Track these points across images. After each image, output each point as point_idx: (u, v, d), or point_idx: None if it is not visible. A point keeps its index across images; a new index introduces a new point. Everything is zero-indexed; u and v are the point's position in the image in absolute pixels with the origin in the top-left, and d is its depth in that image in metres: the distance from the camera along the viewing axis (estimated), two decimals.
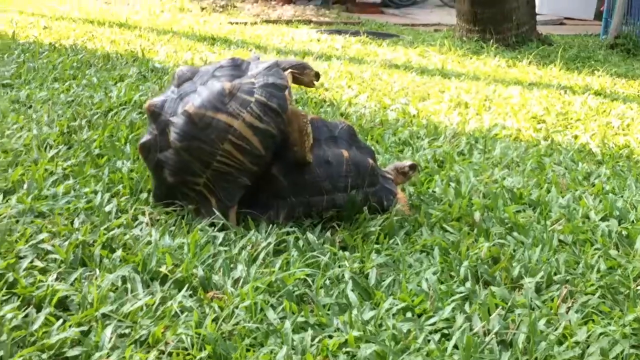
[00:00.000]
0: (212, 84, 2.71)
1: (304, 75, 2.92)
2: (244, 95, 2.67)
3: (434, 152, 3.80)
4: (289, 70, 2.85)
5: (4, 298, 2.09)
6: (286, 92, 2.72)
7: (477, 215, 2.89)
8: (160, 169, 2.73)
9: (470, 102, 5.11)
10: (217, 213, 2.65)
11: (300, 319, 2.08)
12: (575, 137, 4.41)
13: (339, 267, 2.43)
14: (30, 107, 4.12)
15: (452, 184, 3.26)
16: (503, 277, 2.44)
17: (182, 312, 2.08)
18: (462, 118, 4.65)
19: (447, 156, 3.74)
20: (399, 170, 3.12)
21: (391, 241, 2.67)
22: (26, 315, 2.02)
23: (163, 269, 2.30)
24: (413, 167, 3.12)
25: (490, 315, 2.16)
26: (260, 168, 2.72)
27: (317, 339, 2.00)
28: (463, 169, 3.55)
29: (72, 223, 2.61)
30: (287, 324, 2.03)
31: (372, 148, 3.23)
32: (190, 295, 2.20)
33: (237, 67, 2.82)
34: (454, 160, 3.69)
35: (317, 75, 2.97)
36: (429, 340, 2.03)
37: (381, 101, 4.96)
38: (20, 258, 2.31)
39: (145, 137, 2.77)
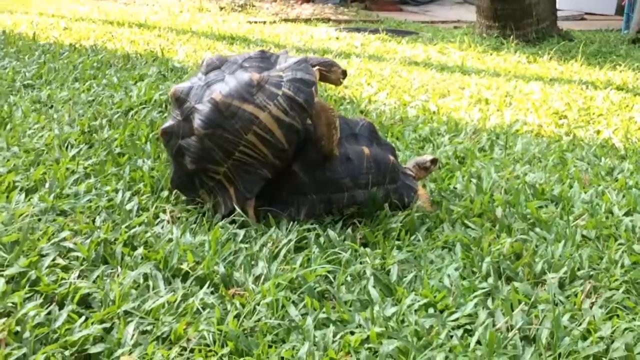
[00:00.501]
0: (240, 74, 2.71)
1: (331, 72, 2.91)
2: (272, 87, 2.67)
3: (454, 148, 3.78)
4: (317, 67, 2.84)
5: (27, 296, 2.10)
6: (313, 88, 2.72)
7: (499, 211, 2.87)
8: (180, 155, 2.73)
9: (490, 99, 5.08)
10: (236, 207, 2.65)
11: (322, 316, 2.08)
12: (598, 132, 4.37)
13: (360, 263, 2.42)
14: (52, 107, 4.14)
15: (474, 180, 3.24)
16: (526, 272, 2.42)
17: (203, 309, 2.08)
18: (482, 114, 4.62)
19: (468, 152, 3.72)
20: (420, 166, 3.10)
21: (412, 237, 2.66)
22: (49, 313, 2.02)
23: (184, 266, 2.30)
24: (434, 161, 3.11)
25: (513, 310, 2.14)
26: (282, 162, 2.72)
27: (339, 335, 1.99)
28: (484, 165, 3.53)
29: (93, 221, 2.62)
30: (309, 320, 2.02)
31: (393, 145, 3.21)
32: (212, 292, 2.20)
33: (266, 60, 2.81)
34: (475, 157, 3.67)
35: (344, 73, 2.96)
36: (451, 336, 2.02)
37: (401, 98, 4.95)
38: (43, 256, 2.32)
39: (168, 123, 2.77)
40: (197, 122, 2.63)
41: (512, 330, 2.05)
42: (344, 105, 4.61)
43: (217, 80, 2.70)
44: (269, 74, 2.70)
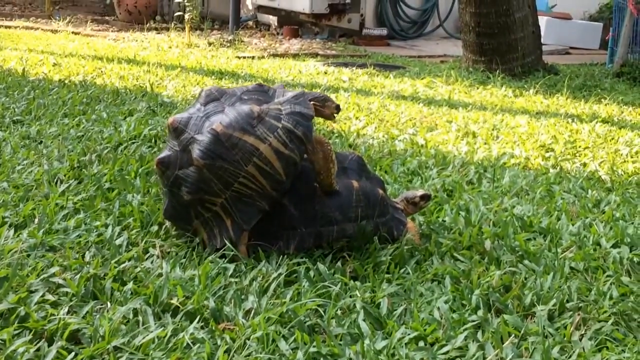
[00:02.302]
0: (240, 106, 2.72)
1: (325, 107, 2.93)
2: (272, 120, 2.69)
3: (443, 181, 3.80)
4: (312, 101, 2.87)
5: (16, 332, 2.09)
6: (311, 122, 2.74)
7: (487, 244, 2.89)
8: (177, 186, 2.73)
9: (477, 132, 5.12)
10: (227, 242, 2.65)
11: (312, 350, 2.07)
12: (584, 164, 4.41)
13: (350, 297, 2.43)
14: (41, 142, 4.15)
15: (462, 213, 3.26)
16: (515, 305, 2.43)
17: (194, 344, 2.07)
18: (470, 147, 4.65)
19: (457, 185, 3.74)
20: (409, 201, 3.11)
21: (402, 270, 2.67)
22: (38, 349, 2.01)
23: (174, 301, 2.30)
24: (425, 197, 3.11)
25: (503, 343, 2.15)
26: (279, 194, 2.73)
27: None
28: (472, 197, 3.55)
29: (83, 257, 2.62)
30: (300, 354, 2.02)
31: (382, 178, 3.23)
32: (202, 327, 2.20)
33: (264, 93, 2.84)
34: (463, 190, 3.69)
35: (338, 108, 2.98)
36: None
37: (389, 132, 4.98)
38: (32, 292, 2.31)
39: (165, 153, 2.78)
40: (196, 152, 2.64)
41: None
42: (333, 139, 4.64)
43: (216, 112, 2.72)
44: (268, 106, 2.73)
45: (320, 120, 4.84)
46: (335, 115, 2.96)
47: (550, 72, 8.47)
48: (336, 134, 4.82)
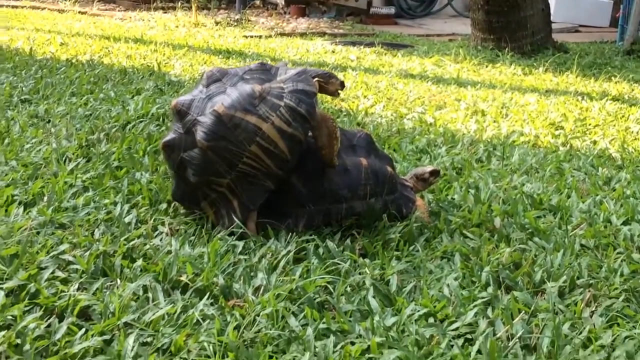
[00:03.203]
0: (242, 86, 2.71)
1: (329, 84, 2.91)
2: (274, 99, 2.67)
3: (452, 159, 3.79)
4: (315, 78, 2.85)
5: (27, 309, 2.09)
6: (314, 99, 2.73)
7: (497, 221, 2.88)
8: (183, 168, 2.73)
9: (487, 110, 5.10)
10: (236, 220, 2.65)
11: (322, 326, 2.07)
12: (594, 142, 4.39)
13: (360, 274, 2.42)
14: (49, 121, 4.14)
15: (471, 191, 3.25)
16: (525, 282, 2.42)
17: (203, 320, 2.07)
18: (479, 126, 4.63)
19: (466, 163, 3.73)
20: (419, 177, 3.10)
21: (411, 248, 2.66)
22: (49, 325, 2.01)
23: (184, 278, 2.30)
24: (434, 173, 3.11)
25: (513, 320, 2.14)
26: (285, 173, 2.72)
27: (339, 346, 1.99)
28: (482, 175, 3.53)
29: (92, 234, 2.62)
30: (309, 330, 2.02)
31: (390, 156, 3.22)
32: (212, 304, 2.19)
33: (266, 71, 2.82)
34: (472, 167, 3.67)
35: (342, 85, 2.96)
36: (452, 346, 2.01)
37: (397, 110, 4.96)
38: (42, 269, 2.31)
39: (170, 136, 2.77)
40: (199, 134, 2.63)
41: (512, 339, 2.05)
42: (341, 118, 4.62)
43: (218, 93, 2.71)
44: (270, 85, 2.71)
45: (328, 98, 4.84)
46: (340, 91, 2.94)
47: (559, 50, 8.42)
48: (344, 113, 4.80)
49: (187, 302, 2.18)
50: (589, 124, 4.85)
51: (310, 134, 2.75)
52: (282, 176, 2.71)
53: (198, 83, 2.83)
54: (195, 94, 2.76)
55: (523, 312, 2.19)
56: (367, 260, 2.53)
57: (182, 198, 2.81)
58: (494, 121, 4.81)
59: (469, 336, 2.08)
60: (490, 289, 2.33)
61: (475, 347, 1.98)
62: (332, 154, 2.73)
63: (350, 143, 2.93)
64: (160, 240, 2.61)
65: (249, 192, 2.68)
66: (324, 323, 2.09)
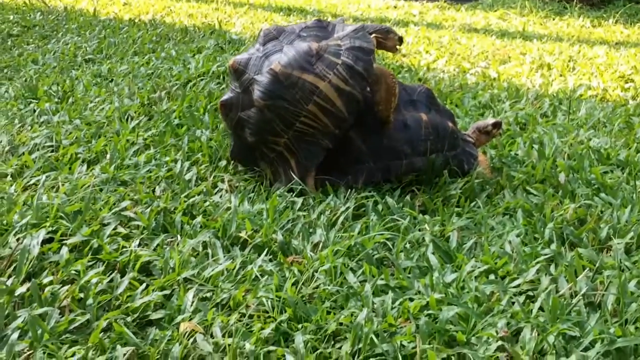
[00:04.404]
0: (298, 43, 2.68)
1: (387, 39, 2.86)
2: (331, 57, 2.64)
3: (515, 114, 3.70)
4: (373, 34, 2.80)
5: (90, 264, 2.13)
6: (372, 56, 2.68)
7: (562, 177, 2.80)
8: (240, 127, 2.73)
9: (553, 64, 4.96)
10: (296, 177, 2.64)
11: (380, 282, 2.06)
12: None
13: (419, 230, 2.39)
14: (112, 80, 4.19)
15: (536, 146, 3.16)
16: (590, 238, 2.36)
17: (262, 276, 2.08)
18: (544, 80, 4.51)
19: (530, 118, 3.64)
20: (482, 130, 3.04)
21: (472, 204, 2.62)
22: (111, 280, 2.05)
23: (243, 234, 2.30)
24: (497, 125, 3.04)
25: (577, 277, 2.08)
26: (343, 131, 2.69)
27: (397, 302, 1.97)
28: (546, 130, 3.44)
29: (153, 191, 2.65)
30: (367, 287, 2.00)
31: (452, 111, 3.15)
32: (270, 260, 2.20)
33: (323, 29, 2.79)
34: (536, 122, 3.58)
35: (401, 40, 2.91)
36: (513, 303, 1.98)
37: (460, 65, 4.87)
38: (104, 225, 2.35)
39: (227, 95, 2.77)
40: (256, 93, 2.62)
41: (576, 296, 2.00)
42: (402, 74, 4.55)
43: (275, 51, 2.68)
44: (327, 42, 2.67)
45: (390, 54, 4.77)
46: (398, 46, 2.89)
47: (631, 0, 8.10)
48: (405, 69, 4.72)
49: (246, 258, 2.19)
50: None
51: (368, 89, 2.71)
52: (340, 135, 2.68)
53: (255, 41, 2.81)
54: (252, 52, 2.74)
55: (587, 269, 2.13)
56: (427, 217, 2.50)
57: (240, 157, 2.81)
58: (561, 75, 4.68)
59: (530, 293, 2.03)
60: (553, 246, 2.27)
61: (537, 304, 1.94)
62: (389, 110, 2.69)
63: (410, 98, 2.88)
64: (220, 197, 2.63)
65: (307, 151, 2.66)
66: (382, 279, 2.07)
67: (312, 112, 2.60)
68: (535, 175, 2.86)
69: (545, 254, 2.22)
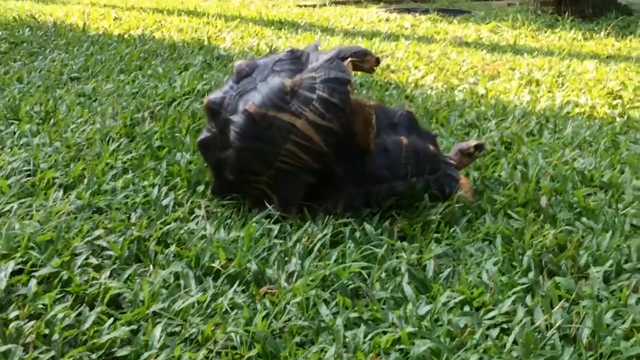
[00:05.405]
0: (272, 80, 2.64)
1: (364, 62, 2.84)
2: (306, 92, 2.60)
3: (501, 134, 3.67)
4: (349, 58, 2.77)
5: (58, 297, 2.10)
6: (348, 87, 2.64)
7: (543, 200, 2.77)
8: (220, 166, 2.70)
9: (541, 79, 4.94)
10: (278, 212, 2.62)
11: (353, 315, 2.02)
12: None
13: (397, 258, 2.36)
14: (96, 100, 4.16)
15: (519, 167, 3.14)
16: (569, 266, 2.32)
17: (232, 309, 2.05)
18: (532, 96, 4.49)
19: (515, 137, 3.61)
20: (464, 152, 3.02)
21: (452, 230, 2.58)
22: (79, 314, 2.02)
23: (216, 264, 2.27)
24: (479, 147, 3.02)
25: (553, 307, 2.05)
26: (323, 165, 2.66)
27: (369, 336, 1.94)
28: (531, 150, 3.41)
29: (129, 218, 2.62)
30: (339, 320, 1.97)
31: (435, 133, 3.13)
32: (243, 291, 2.16)
33: (297, 60, 2.74)
34: (522, 142, 3.55)
35: (378, 61, 2.88)
36: (487, 336, 1.95)
37: (448, 82, 4.84)
38: (76, 255, 2.32)
39: (204, 135, 2.74)
40: (232, 134, 2.59)
41: (551, 328, 1.97)
42: (390, 91, 4.53)
43: (249, 89, 2.65)
44: (301, 76, 2.63)
45: (378, 70, 4.75)
46: (375, 68, 2.86)
47: (623, 12, 8.10)
48: (393, 85, 4.70)
49: (218, 290, 2.15)
50: None
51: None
52: (320, 168, 2.64)
53: (229, 78, 2.78)
54: (226, 89, 2.71)
55: (564, 300, 2.09)
56: (405, 244, 2.47)
57: (222, 193, 2.78)
58: (549, 91, 4.65)
59: (505, 326, 2.00)
60: (531, 274, 2.24)
61: (511, 338, 1.91)
62: (368, 140, 2.66)
63: (390, 121, 2.85)
64: (196, 224, 2.59)
65: (289, 188, 2.63)
66: (355, 311, 2.04)
67: (290, 150, 2.56)
68: (518, 198, 2.83)
69: (523, 283, 2.19)
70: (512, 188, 2.93)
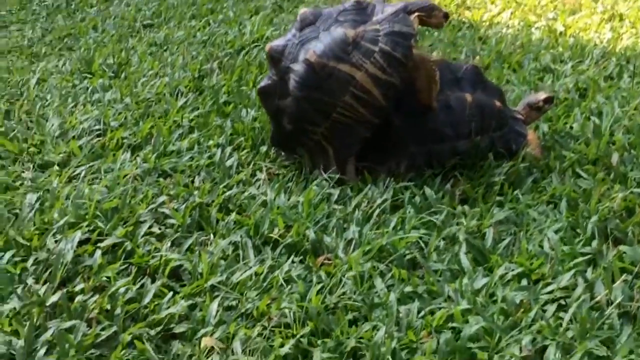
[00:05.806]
0: (335, 30, 2.61)
1: (432, 17, 2.76)
2: (368, 44, 2.56)
3: (576, 79, 3.52)
4: (416, 13, 2.70)
5: (121, 268, 2.16)
6: (412, 41, 2.58)
7: (614, 157, 2.65)
8: (279, 115, 2.70)
9: (626, 13, 4.69)
10: (334, 167, 2.61)
11: (407, 289, 2.02)
12: None
13: (457, 224, 2.33)
14: (167, 49, 4.19)
15: (593, 118, 3.01)
16: (636, 233, 2.23)
17: (287, 283, 2.07)
18: (614, 33, 4.28)
19: (592, 83, 3.46)
20: (532, 106, 2.93)
21: (516, 192, 2.52)
22: (141, 286, 2.08)
23: (274, 234, 2.29)
24: (548, 100, 2.92)
25: (614, 282, 1.99)
26: (381, 119, 2.63)
27: (423, 312, 1.93)
28: (607, 97, 3.26)
29: (192, 181, 2.66)
30: (393, 296, 1.96)
31: (500, 87, 3.02)
32: (301, 261, 2.18)
33: (362, 11, 2.69)
34: (598, 88, 3.40)
35: (446, 16, 2.80)
36: (544, 310, 1.91)
37: (526, 18, 4.66)
38: (140, 223, 2.37)
39: (265, 82, 2.74)
40: (292, 83, 2.58)
41: (611, 304, 1.91)
42: (463, 31, 4.40)
43: (311, 38, 2.62)
44: (364, 28, 2.58)
45: (453, 8, 4.61)
46: (445, 23, 2.78)
47: None
48: (467, 25, 4.56)
49: (276, 261, 2.18)
50: None
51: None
52: (378, 123, 2.61)
53: (292, 26, 2.75)
54: (288, 38, 2.68)
55: (626, 273, 2.03)
56: (466, 207, 2.43)
57: (279, 143, 2.79)
58: (632, 27, 4.42)
59: (562, 302, 1.96)
60: (595, 243, 2.17)
61: (567, 317, 1.86)
62: (431, 97, 2.61)
63: (455, 76, 2.78)
64: (258, 188, 2.61)
65: (344, 141, 2.61)
66: (410, 285, 2.03)
67: (348, 102, 2.54)
68: (588, 154, 2.73)
69: (585, 253, 2.13)
70: (583, 143, 2.83)
